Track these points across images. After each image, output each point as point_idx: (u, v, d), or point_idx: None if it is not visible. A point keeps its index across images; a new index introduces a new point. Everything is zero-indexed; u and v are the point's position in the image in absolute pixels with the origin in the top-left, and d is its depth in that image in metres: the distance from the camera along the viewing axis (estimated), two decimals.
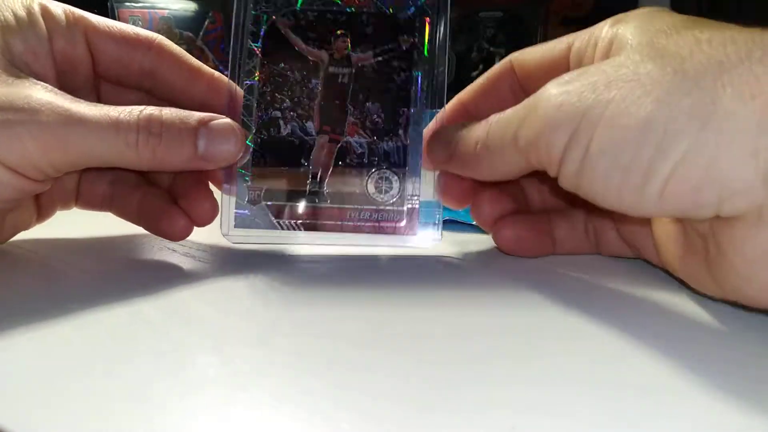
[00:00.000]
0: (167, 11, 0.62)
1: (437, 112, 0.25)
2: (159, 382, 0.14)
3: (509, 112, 0.21)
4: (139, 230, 0.26)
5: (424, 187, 0.26)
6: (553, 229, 0.26)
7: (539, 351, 0.17)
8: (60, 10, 0.24)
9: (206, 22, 0.64)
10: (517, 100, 0.23)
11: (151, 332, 0.18)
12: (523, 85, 0.25)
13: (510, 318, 0.19)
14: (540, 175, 0.21)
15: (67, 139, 0.20)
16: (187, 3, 0.64)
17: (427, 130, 0.25)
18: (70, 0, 0.25)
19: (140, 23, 0.60)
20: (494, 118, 0.22)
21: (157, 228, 0.25)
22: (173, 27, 0.62)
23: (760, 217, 0.16)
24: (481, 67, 0.55)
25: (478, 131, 0.22)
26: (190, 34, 0.63)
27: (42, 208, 0.26)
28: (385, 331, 0.18)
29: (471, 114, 0.26)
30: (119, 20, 0.59)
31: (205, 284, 0.22)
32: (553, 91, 0.19)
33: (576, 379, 0.15)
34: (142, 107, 0.22)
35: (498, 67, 0.26)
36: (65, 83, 0.23)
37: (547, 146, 0.19)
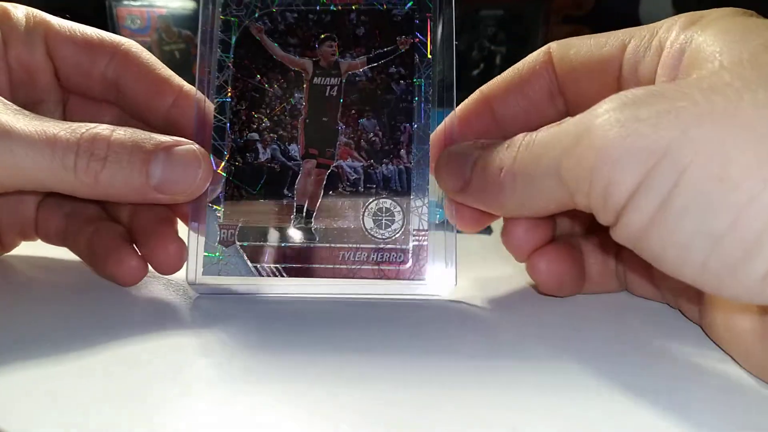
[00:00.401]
0: (166, 9, 0.60)
1: (448, 112, 0.21)
2: (157, 383, 0.15)
3: (548, 132, 0.16)
4: None
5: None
6: (585, 264, 0.21)
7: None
8: (21, 13, 0.21)
9: None
10: (553, 105, 0.20)
11: (149, 334, 0.18)
12: (562, 85, 0.20)
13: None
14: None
15: (6, 162, 0.17)
16: (186, 1, 0.62)
17: (435, 137, 0.21)
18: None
19: (139, 22, 0.59)
20: (524, 140, 0.17)
21: (104, 269, 0.21)
22: (172, 25, 0.60)
23: None
24: (481, 65, 0.54)
25: (502, 154, 0.18)
26: (189, 33, 0.60)
27: (2, 239, 0.24)
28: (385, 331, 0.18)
29: (497, 116, 0.21)
30: (117, 19, 0.56)
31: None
32: (615, 114, 0.14)
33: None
34: (92, 125, 0.19)
35: (534, 57, 0.21)
36: (23, 94, 0.21)
37: (606, 188, 0.14)
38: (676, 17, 0.18)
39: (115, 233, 0.22)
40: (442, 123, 0.22)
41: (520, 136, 0.18)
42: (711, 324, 0.18)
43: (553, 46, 0.20)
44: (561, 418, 0.14)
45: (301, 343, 0.18)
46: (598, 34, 0.20)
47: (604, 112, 0.14)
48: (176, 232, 0.22)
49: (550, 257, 0.20)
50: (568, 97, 0.21)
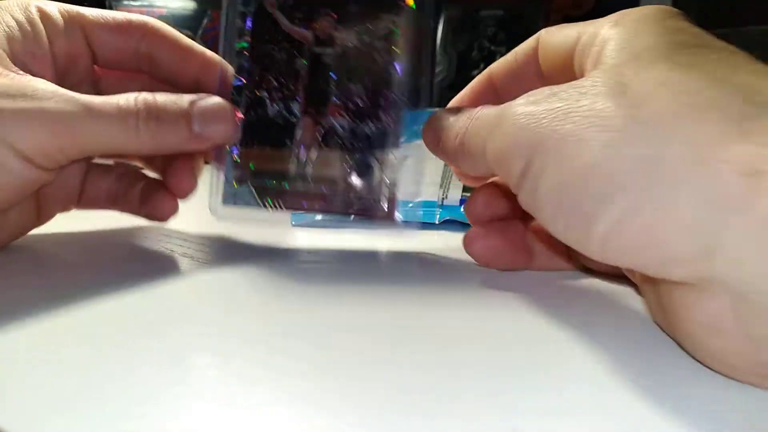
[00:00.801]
0: (166, 10, 0.63)
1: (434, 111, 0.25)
2: (158, 381, 0.14)
3: (486, 112, 0.20)
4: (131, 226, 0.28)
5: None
6: (531, 241, 0.24)
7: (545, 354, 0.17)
8: (56, 10, 0.25)
9: (205, 21, 0.64)
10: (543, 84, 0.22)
11: (150, 331, 0.18)
12: (544, 72, 0.23)
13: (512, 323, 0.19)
14: None
15: (76, 126, 0.21)
16: (186, 1, 0.64)
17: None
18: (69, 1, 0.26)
19: None
20: (477, 114, 0.21)
21: (144, 211, 0.27)
22: (172, 25, 0.63)
23: (703, 288, 0.14)
24: (481, 65, 0.56)
25: (460, 123, 0.22)
26: (189, 33, 0.63)
27: (42, 210, 0.27)
28: (385, 331, 0.18)
29: (499, 95, 0.24)
30: None
31: (203, 283, 0.23)
32: (520, 109, 0.18)
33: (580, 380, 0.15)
34: (136, 93, 0.23)
35: (528, 42, 0.23)
36: (65, 81, 0.25)
37: (507, 168, 0.18)
38: (614, 15, 0.20)
39: (156, 183, 0.27)
40: (454, 99, 0.25)
41: (479, 109, 0.21)
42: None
43: (542, 33, 0.23)
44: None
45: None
46: (578, 24, 0.21)
47: (518, 105, 0.18)
48: (192, 165, 0.27)
49: (481, 233, 0.24)
50: (549, 81, 0.22)
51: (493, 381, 0.15)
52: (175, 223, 0.30)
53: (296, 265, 0.26)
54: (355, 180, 0.25)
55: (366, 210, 0.25)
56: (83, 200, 0.28)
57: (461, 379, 0.15)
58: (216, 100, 0.24)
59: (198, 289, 0.22)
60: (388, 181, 0.25)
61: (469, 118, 0.21)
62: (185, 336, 0.17)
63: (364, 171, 0.25)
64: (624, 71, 0.16)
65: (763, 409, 0.14)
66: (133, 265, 0.25)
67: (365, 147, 0.25)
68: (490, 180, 0.25)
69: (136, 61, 0.27)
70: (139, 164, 0.30)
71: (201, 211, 0.27)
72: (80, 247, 0.26)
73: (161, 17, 0.62)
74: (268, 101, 0.26)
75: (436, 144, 0.23)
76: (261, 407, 0.13)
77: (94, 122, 0.22)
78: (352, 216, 0.26)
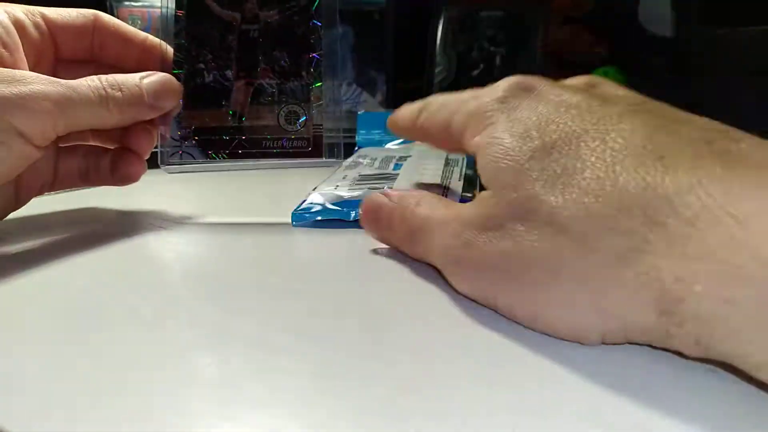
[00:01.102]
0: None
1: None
2: (155, 378, 0.15)
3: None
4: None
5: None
6: None
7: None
8: (22, 15, 0.28)
9: None
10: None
11: (145, 325, 0.18)
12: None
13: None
14: None
15: (65, 105, 0.24)
16: None
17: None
18: (70, 1, 0.30)
19: (139, 22, 0.59)
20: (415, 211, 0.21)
21: (116, 175, 0.30)
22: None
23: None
24: (481, 66, 0.54)
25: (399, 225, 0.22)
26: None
27: (20, 194, 0.28)
28: (385, 330, 0.17)
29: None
30: (118, 19, 0.58)
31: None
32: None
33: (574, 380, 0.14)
34: (99, 76, 0.27)
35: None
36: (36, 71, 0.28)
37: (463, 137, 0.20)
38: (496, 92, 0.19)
39: (122, 151, 0.30)
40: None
41: (422, 199, 0.21)
42: None
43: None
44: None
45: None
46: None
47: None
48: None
49: None
50: None
51: (493, 380, 0.14)
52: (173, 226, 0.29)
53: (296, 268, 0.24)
54: (285, 125, 0.31)
55: (297, 149, 0.31)
56: (57, 181, 0.31)
57: (462, 378, 0.14)
58: (160, 74, 0.29)
59: (199, 289, 0.21)
60: (313, 124, 0.31)
61: (417, 205, 0.21)
62: (186, 335, 0.17)
63: (292, 118, 0.31)
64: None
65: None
66: (133, 264, 0.24)
67: (291, 100, 0.31)
68: None
69: (90, 51, 0.31)
70: (94, 142, 0.33)
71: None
72: (73, 245, 0.26)
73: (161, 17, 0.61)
74: (205, 71, 0.31)
75: (375, 224, 0.23)
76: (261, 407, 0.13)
77: (77, 101, 0.25)
78: (284, 158, 0.31)
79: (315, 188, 0.29)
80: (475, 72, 0.54)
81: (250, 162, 0.31)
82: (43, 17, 0.29)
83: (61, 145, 0.31)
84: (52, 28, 0.29)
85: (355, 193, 0.27)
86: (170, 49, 0.31)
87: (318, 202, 0.27)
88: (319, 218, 0.26)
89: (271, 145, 0.31)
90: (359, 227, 0.23)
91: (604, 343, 0.15)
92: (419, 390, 0.14)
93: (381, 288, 0.20)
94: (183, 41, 0.31)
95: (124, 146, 0.31)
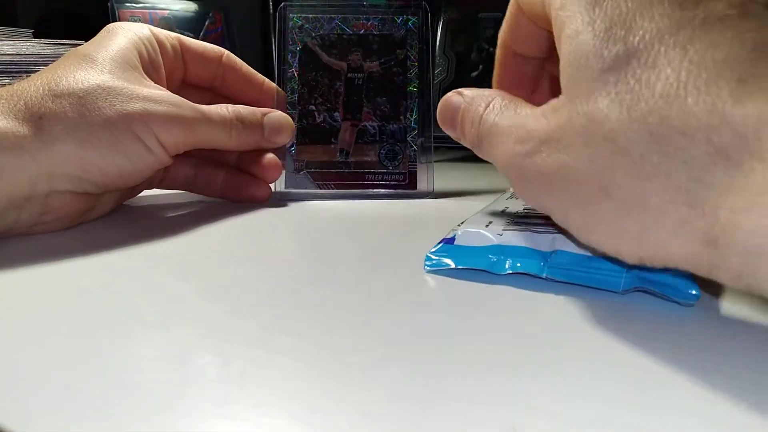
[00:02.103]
0: (168, 11, 0.62)
1: None
2: (156, 377, 0.14)
3: (505, 122, 0.20)
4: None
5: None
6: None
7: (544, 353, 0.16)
8: (163, 36, 0.33)
9: (206, 23, 0.64)
10: (540, 30, 0.22)
11: (149, 328, 0.18)
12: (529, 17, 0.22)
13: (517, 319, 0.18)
14: None
15: (196, 127, 0.29)
16: (188, 3, 0.64)
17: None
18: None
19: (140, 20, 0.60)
20: (487, 115, 0.21)
21: (244, 195, 0.35)
22: (174, 27, 0.61)
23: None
24: (480, 67, 0.55)
25: (474, 112, 0.21)
26: (191, 35, 0.58)
27: (137, 187, 0.34)
28: (384, 329, 0.17)
29: (517, 54, 0.25)
30: (119, 20, 0.57)
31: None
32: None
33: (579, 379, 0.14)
34: (227, 105, 0.32)
35: (511, 6, 0.23)
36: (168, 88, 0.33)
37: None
38: None
39: (240, 173, 0.35)
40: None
41: (493, 100, 0.20)
42: None
43: None
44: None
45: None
46: None
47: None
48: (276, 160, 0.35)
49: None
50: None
51: (492, 380, 0.14)
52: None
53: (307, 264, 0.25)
54: (384, 161, 0.36)
55: (394, 183, 0.36)
56: (165, 182, 0.35)
57: (461, 378, 0.15)
58: (278, 112, 0.34)
59: (200, 288, 0.21)
60: (409, 161, 0.36)
61: (481, 116, 0.21)
62: (187, 335, 0.17)
63: (392, 155, 0.36)
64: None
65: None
66: (134, 264, 0.24)
67: (390, 139, 0.36)
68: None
69: (212, 80, 0.35)
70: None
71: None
72: (87, 244, 0.26)
73: (163, 18, 0.61)
74: (316, 112, 0.36)
75: (451, 125, 0.23)
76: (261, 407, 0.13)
77: (206, 125, 0.30)
78: (383, 189, 0.36)
79: (462, 222, 0.25)
80: (475, 73, 0.54)
81: (356, 191, 0.36)
82: (179, 41, 0.34)
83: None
84: (185, 53, 0.34)
85: (513, 236, 0.22)
86: (282, 93, 0.36)
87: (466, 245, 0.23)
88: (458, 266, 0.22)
89: (373, 179, 0.36)
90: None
91: (642, 264, 0.16)
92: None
93: None
94: (296, 86, 0.36)
95: (245, 170, 0.35)
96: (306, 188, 0.36)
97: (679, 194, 0.14)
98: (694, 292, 0.18)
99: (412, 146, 0.36)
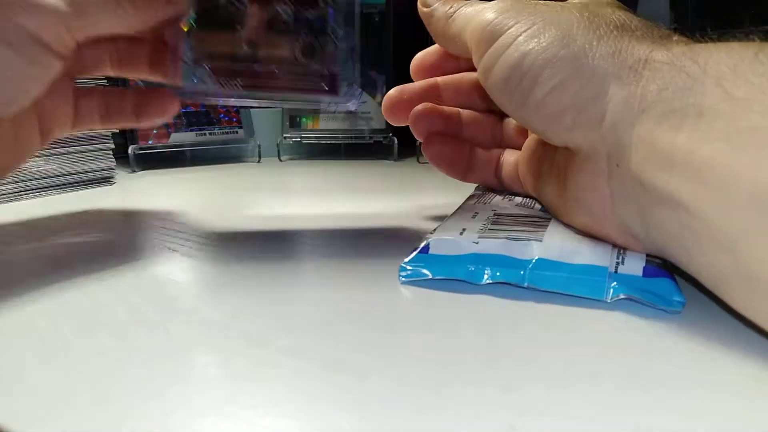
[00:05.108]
0: None
1: None
2: (158, 377, 0.15)
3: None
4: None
5: None
6: (472, 157, 0.33)
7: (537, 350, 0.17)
8: None
9: None
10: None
11: (149, 328, 0.18)
12: None
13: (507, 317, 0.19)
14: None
15: (79, 4, 0.24)
16: None
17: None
18: None
19: None
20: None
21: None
22: None
23: (590, 155, 0.20)
24: None
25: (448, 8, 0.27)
26: None
27: (44, 131, 0.30)
28: (379, 329, 0.18)
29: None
30: None
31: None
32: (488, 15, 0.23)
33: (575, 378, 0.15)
34: None
35: None
36: None
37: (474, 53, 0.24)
38: None
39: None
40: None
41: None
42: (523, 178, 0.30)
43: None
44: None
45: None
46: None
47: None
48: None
49: (436, 140, 0.32)
50: None
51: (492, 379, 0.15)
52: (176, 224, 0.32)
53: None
54: (301, 59, 0.30)
55: (312, 86, 0.30)
56: (78, 120, 0.31)
57: (461, 377, 0.15)
58: None
59: (199, 287, 0.22)
60: (330, 60, 0.30)
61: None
62: (187, 335, 0.17)
63: (309, 52, 0.30)
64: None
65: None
66: (134, 263, 0.25)
67: (307, 30, 0.30)
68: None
69: None
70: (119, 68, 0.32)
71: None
72: (81, 245, 0.26)
73: None
74: None
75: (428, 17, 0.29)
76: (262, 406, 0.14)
77: (96, 5, 0.24)
78: (300, 93, 0.30)
79: (434, 230, 0.25)
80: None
81: (264, 95, 0.30)
82: None
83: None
84: None
85: (489, 244, 0.22)
86: None
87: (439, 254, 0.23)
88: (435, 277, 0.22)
89: (286, 80, 0.30)
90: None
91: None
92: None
93: None
94: None
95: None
96: (206, 83, 0.30)
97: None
98: (678, 299, 0.19)
99: (333, 40, 0.30)
